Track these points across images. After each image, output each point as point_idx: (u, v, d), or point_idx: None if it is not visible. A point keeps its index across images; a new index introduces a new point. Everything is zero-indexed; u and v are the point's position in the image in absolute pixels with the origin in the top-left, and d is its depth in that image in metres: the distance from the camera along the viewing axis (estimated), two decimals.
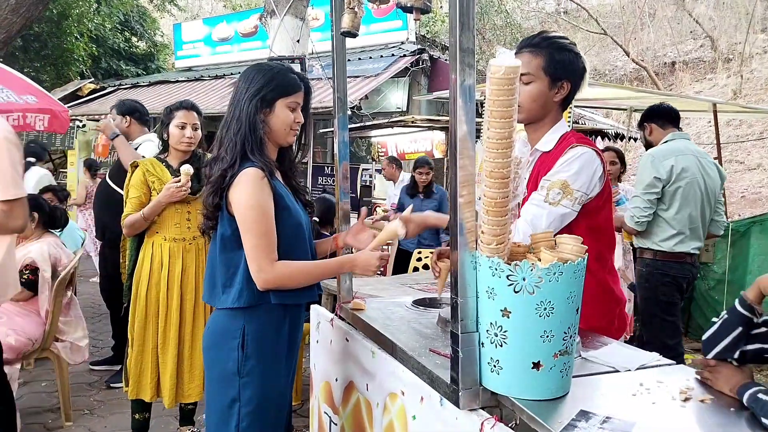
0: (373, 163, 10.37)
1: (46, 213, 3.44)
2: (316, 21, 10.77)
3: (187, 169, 2.74)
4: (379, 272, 5.16)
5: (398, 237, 1.89)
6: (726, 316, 1.47)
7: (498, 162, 1.26)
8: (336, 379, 2.19)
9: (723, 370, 1.40)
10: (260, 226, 1.69)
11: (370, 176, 9.83)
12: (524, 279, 1.26)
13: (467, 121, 1.29)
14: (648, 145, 3.68)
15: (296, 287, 1.76)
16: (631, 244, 4.18)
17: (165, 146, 2.93)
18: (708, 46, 17.76)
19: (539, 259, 1.31)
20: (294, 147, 1.93)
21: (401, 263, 5.06)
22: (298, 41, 3.16)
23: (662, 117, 3.59)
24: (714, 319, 1.51)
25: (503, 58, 1.21)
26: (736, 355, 1.41)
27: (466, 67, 1.26)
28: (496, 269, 1.28)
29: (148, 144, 3.71)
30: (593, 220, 1.79)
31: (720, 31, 17.49)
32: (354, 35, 1.94)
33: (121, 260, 3.06)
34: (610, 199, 1.87)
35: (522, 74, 1.77)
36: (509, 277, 1.27)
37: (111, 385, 3.86)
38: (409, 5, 1.50)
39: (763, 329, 1.42)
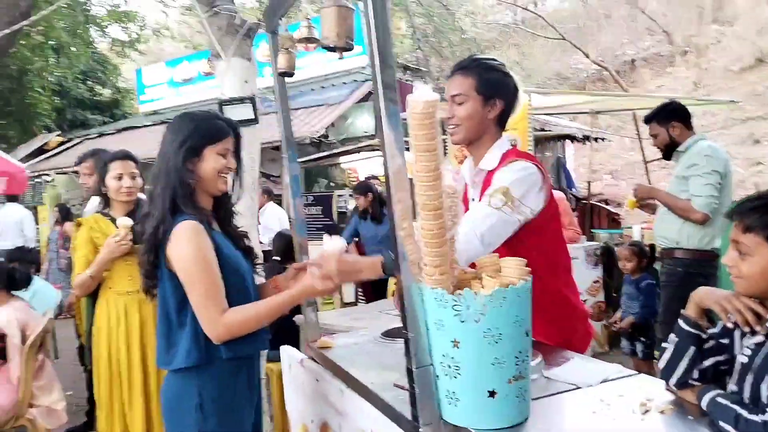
0: (346, 188, 10.35)
1: (5, 276, 3.38)
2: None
3: (125, 222, 2.68)
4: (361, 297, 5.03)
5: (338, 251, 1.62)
6: (676, 339, 1.42)
7: (429, 194, 1.26)
8: (312, 421, 2.15)
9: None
10: (205, 278, 1.64)
11: (345, 201, 9.82)
12: (468, 308, 1.25)
13: (399, 155, 1.30)
14: (672, 144, 3.46)
15: (252, 330, 1.70)
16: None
17: (106, 200, 2.87)
18: (665, 41, 18.15)
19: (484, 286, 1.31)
20: (230, 193, 1.87)
21: (378, 291, 5.03)
22: (246, 82, 3.17)
23: (688, 118, 3.47)
24: (664, 344, 1.45)
25: (420, 93, 1.22)
26: (696, 376, 1.37)
27: (390, 103, 1.27)
28: (441, 300, 1.27)
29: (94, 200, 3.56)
30: (542, 238, 1.80)
31: (674, 26, 17.89)
32: (291, 74, 1.96)
33: (77, 321, 2.98)
34: (558, 215, 1.88)
35: (456, 95, 1.84)
36: (455, 307, 1.26)
37: None
38: (332, 45, 1.51)
39: (712, 342, 1.40)
